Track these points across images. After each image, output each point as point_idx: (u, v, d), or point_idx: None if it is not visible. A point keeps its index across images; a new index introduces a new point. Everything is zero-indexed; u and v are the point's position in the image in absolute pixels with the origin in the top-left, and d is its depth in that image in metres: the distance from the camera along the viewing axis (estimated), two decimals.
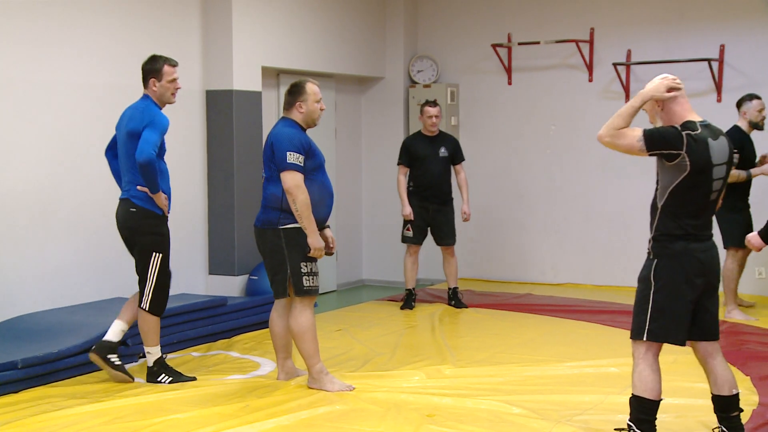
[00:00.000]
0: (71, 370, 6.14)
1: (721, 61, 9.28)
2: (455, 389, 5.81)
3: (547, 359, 6.62)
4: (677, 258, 4.39)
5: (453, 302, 8.84)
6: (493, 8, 10.40)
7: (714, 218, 7.70)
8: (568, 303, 8.98)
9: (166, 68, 5.94)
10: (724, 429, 4.58)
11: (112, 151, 6.18)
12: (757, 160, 8.02)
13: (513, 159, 10.40)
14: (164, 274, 5.96)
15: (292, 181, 5.57)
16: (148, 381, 6.04)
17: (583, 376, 6.15)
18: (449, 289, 8.90)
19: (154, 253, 5.93)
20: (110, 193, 6.95)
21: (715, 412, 4.62)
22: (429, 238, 8.89)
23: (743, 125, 7.91)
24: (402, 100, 10.59)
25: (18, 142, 7.03)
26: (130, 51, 7.70)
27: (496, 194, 10.47)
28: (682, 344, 4.47)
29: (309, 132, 5.84)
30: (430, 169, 8.68)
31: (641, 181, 9.02)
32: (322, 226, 5.88)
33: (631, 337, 4.50)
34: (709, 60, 9.19)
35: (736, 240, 7.91)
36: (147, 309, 5.96)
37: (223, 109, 8.57)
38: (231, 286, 8.58)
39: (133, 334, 6.25)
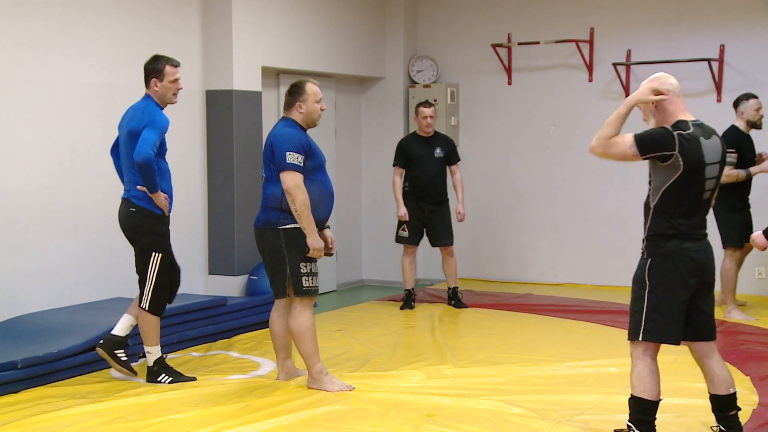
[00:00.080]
0: (71, 370, 6.14)
1: (721, 61, 9.28)
2: (455, 389, 5.81)
3: (547, 359, 6.63)
4: (670, 257, 4.39)
5: (453, 302, 8.84)
6: (493, 8, 10.40)
7: (714, 218, 7.71)
8: (567, 303, 8.98)
9: (168, 68, 5.94)
10: (723, 428, 4.59)
11: (116, 151, 6.19)
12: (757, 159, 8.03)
13: (513, 159, 10.40)
14: (164, 274, 5.96)
15: (292, 182, 5.57)
16: (148, 381, 6.05)
17: (583, 376, 6.15)
18: (449, 288, 8.90)
19: (153, 253, 5.94)
20: (110, 193, 6.97)
21: (713, 412, 4.63)
22: (426, 240, 8.91)
23: (741, 125, 7.92)
24: (402, 100, 10.59)
25: (18, 142, 7.04)
26: (131, 51, 7.70)
27: (496, 194, 10.47)
28: (677, 344, 4.47)
29: (309, 132, 5.84)
30: (425, 169, 8.68)
31: (641, 181, 8.94)
32: (322, 226, 5.88)
33: (628, 338, 4.51)
34: (709, 60, 9.19)
35: (734, 240, 7.91)
36: (147, 308, 5.97)
37: (223, 109, 8.57)
38: (231, 286, 8.58)
39: (133, 334, 6.25)
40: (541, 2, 10.18)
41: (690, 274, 4.39)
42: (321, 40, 9.68)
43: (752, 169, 7.82)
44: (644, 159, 4.36)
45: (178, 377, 6.06)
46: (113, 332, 6.08)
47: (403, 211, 8.65)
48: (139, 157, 5.69)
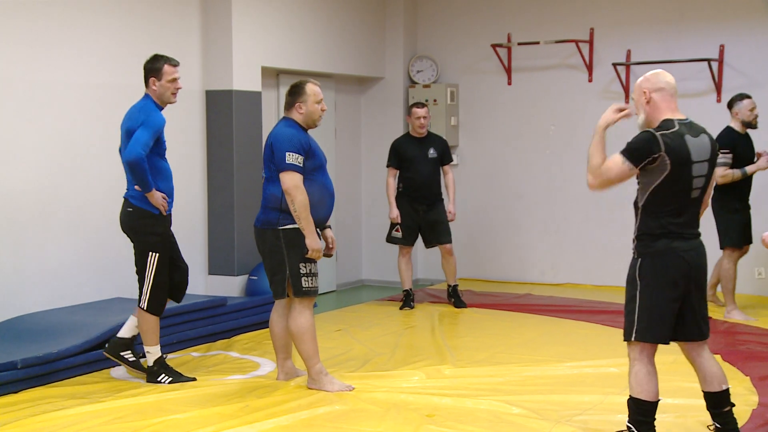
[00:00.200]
0: (71, 370, 6.14)
1: (720, 61, 9.28)
2: (455, 389, 5.81)
3: (546, 359, 6.63)
4: (660, 257, 4.39)
5: (453, 300, 8.85)
6: (493, 8, 10.40)
7: (713, 218, 7.68)
8: (567, 303, 8.98)
9: (167, 68, 5.93)
10: (718, 425, 4.58)
11: None
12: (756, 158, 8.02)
13: (513, 159, 10.40)
14: (161, 274, 5.96)
15: (291, 182, 5.57)
16: (147, 381, 6.05)
17: (583, 376, 6.15)
18: (449, 286, 8.90)
19: (150, 253, 5.93)
20: (110, 193, 6.98)
21: (707, 409, 4.62)
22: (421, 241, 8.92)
23: (736, 126, 7.93)
24: (402, 100, 10.59)
25: (18, 142, 7.04)
26: (131, 51, 7.70)
27: (496, 194, 10.47)
28: (666, 343, 4.46)
29: (309, 132, 5.84)
30: (419, 170, 8.69)
31: None
32: (322, 226, 5.88)
33: (623, 339, 4.50)
34: (708, 60, 9.19)
35: (733, 240, 7.91)
36: (145, 308, 5.97)
37: (223, 109, 8.57)
38: (231, 287, 8.59)
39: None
40: (541, 2, 10.18)
41: (681, 274, 4.38)
42: (321, 40, 9.68)
43: (748, 168, 7.81)
44: (640, 169, 4.36)
45: (177, 377, 6.06)
46: (119, 335, 6.10)
47: (395, 213, 8.66)
48: (129, 156, 5.70)
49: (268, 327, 6.14)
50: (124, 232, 6.06)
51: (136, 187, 5.86)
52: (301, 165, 5.61)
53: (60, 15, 7.31)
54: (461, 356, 6.76)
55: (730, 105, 8.00)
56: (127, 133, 5.86)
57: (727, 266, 7.96)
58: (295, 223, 5.63)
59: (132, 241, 6.03)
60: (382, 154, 9.72)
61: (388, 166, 8.77)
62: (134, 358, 6.09)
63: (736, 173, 7.76)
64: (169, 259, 6.02)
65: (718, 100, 9.22)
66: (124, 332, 6.10)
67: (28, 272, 7.09)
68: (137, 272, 6.00)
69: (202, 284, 8.63)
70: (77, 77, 7.46)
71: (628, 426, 4.47)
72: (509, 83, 10.36)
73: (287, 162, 5.57)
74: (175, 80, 5.97)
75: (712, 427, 4.63)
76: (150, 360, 6.04)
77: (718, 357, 6.29)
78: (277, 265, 5.71)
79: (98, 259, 7.58)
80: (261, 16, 8.83)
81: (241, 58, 8.58)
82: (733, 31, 9.28)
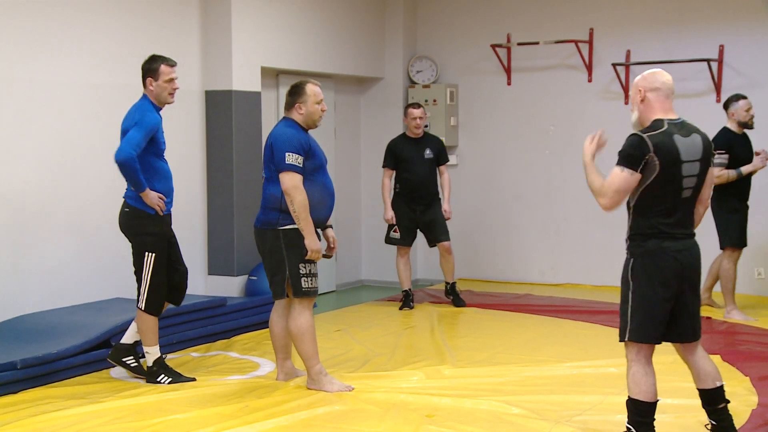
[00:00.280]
0: (71, 371, 6.14)
1: (720, 61, 9.28)
2: (454, 389, 5.81)
3: (546, 359, 6.63)
4: (651, 257, 4.38)
5: (451, 297, 8.85)
6: (492, 8, 10.41)
7: (713, 218, 7.66)
8: (567, 303, 8.98)
9: (163, 68, 5.92)
10: (714, 422, 4.58)
11: None
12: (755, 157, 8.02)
13: (512, 159, 10.40)
14: (158, 274, 5.95)
15: (290, 182, 5.57)
16: (147, 381, 6.05)
17: (583, 377, 6.15)
18: (447, 284, 8.91)
19: (147, 253, 5.93)
20: (110, 193, 6.98)
21: (703, 407, 4.61)
22: (421, 242, 8.90)
23: (732, 126, 7.93)
24: (401, 100, 10.59)
25: (18, 142, 7.04)
26: (130, 51, 7.70)
27: (496, 194, 10.47)
28: (658, 342, 4.46)
29: (309, 132, 5.84)
30: (415, 171, 8.69)
31: None
32: (323, 226, 5.88)
33: (619, 340, 4.50)
34: (708, 60, 9.19)
35: (732, 240, 7.90)
36: (143, 309, 5.97)
37: (223, 109, 8.57)
38: (230, 287, 8.58)
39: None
40: (540, 2, 10.18)
41: (672, 274, 4.37)
42: (320, 41, 9.68)
43: (743, 168, 7.80)
44: (641, 172, 4.35)
45: (177, 377, 6.06)
46: (122, 341, 6.13)
47: (390, 214, 8.67)
48: (118, 156, 5.70)
49: (267, 327, 6.14)
50: (122, 232, 6.06)
51: (132, 187, 5.86)
52: (301, 165, 5.61)
53: (60, 15, 7.31)
54: (461, 356, 6.77)
55: (726, 106, 8.01)
56: (123, 134, 5.87)
57: (727, 266, 7.95)
58: (294, 223, 5.63)
59: (129, 242, 6.04)
60: (381, 155, 9.71)
61: (383, 167, 8.78)
62: (136, 363, 6.11)
63: (732, 173, 7.76)
64: (167, 260, 6.01)
65: (718, 101, 9.21)
66: (126, 338, 6.12)
67: (28, 272, 7.09)
68: (135, 273, 6.01)
69: (201, 284, 8.63)
70: (77, 77, 7.46)
71: (627, 427, 4.47)
72: (509, 83, 10.36)
73: (287, 162, 5.57)
74: (172, 80, 5.96)
75: (709, 426, 4.63)
76: (149, 360, 6.04)
77: (717, 357, 6.31)
78: (277, 265, 5.71)
79: (98, 259, 7.58)
80: (261, 17, 8.83)
81: (240, 59, 8.58)
82: (732, 31, 9.28)
